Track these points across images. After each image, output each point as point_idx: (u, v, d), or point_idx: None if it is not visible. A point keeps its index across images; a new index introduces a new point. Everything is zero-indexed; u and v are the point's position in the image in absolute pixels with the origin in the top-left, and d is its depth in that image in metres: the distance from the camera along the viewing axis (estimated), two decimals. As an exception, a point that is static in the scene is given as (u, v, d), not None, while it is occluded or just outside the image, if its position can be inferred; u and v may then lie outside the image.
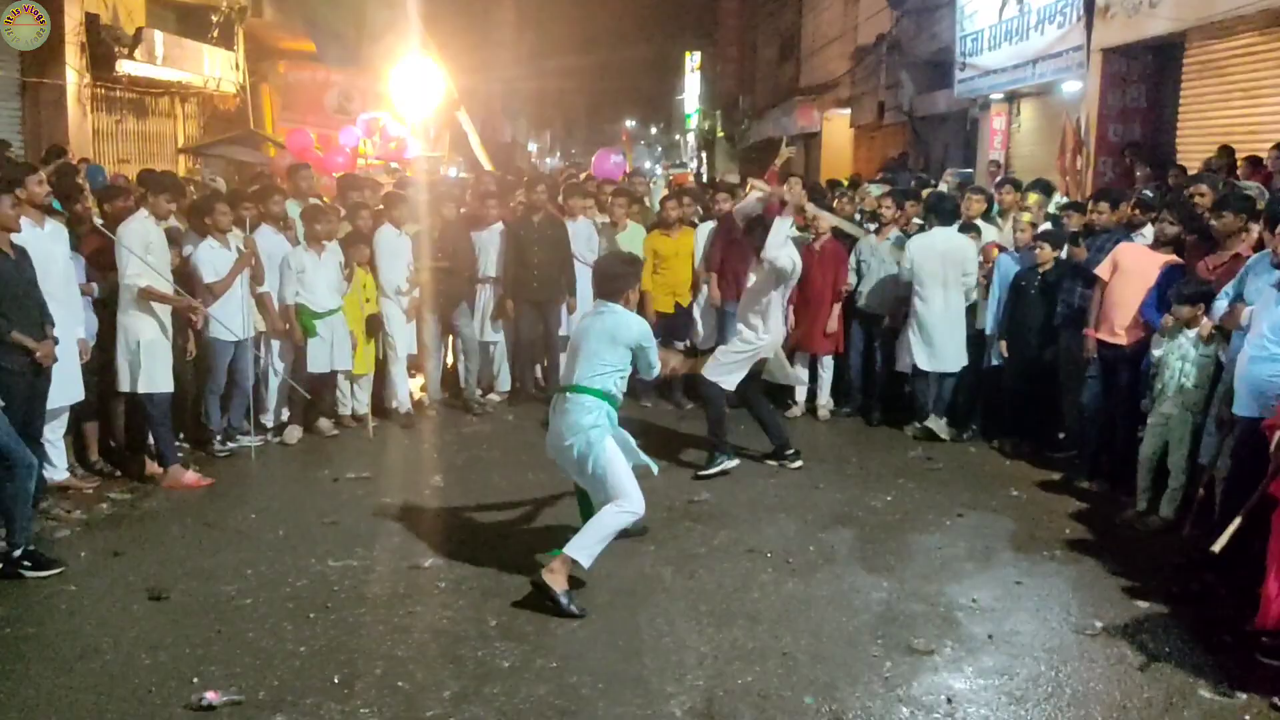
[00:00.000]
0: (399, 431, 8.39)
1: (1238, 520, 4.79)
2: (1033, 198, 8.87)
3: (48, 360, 5.83)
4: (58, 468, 6.65)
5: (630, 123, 79.99)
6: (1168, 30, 10.80)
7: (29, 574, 5.35)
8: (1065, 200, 9.99)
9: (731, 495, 6.93)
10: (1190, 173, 9.75)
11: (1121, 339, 6.91)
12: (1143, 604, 5.28)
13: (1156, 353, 6.36)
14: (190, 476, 6.95)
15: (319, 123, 18.04)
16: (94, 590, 5.27)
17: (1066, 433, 7.91)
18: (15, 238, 5.80)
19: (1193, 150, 10.70)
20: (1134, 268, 6.86)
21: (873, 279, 8.71)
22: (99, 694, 4.24)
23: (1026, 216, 8.27)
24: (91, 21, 12.53)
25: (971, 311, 8.33)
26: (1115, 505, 6.79)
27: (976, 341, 8.33)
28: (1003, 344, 7.92)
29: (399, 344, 8.55)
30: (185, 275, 7.28)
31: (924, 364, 8.27)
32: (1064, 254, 7.67)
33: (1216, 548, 4.81)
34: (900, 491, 7.09)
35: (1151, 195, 8.19)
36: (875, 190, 13.60)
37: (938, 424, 8.35)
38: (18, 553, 5.38)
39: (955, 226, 8.35)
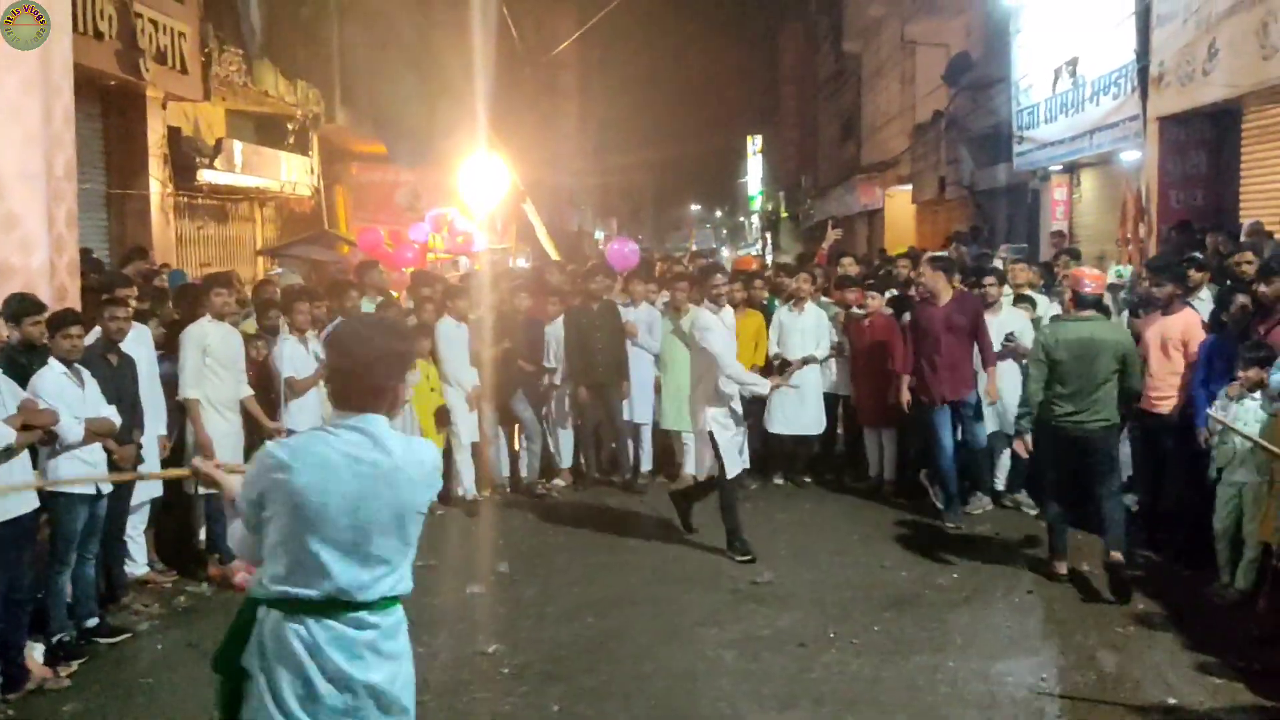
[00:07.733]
0: (464, 518, 8.50)
1: None
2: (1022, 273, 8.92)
3: (124, 462, 6.07)
4: (138, 562, 6.85)
5: (695, 207, 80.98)
6: (1223, 97, 10.76)
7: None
8: (1123, 269, 9.92)
9: (795, 575, 6.89)
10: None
11: (1161, 409, 7.01)
12: (1217, 680, 5.14)
13: (1217, 413, 6.22)
14: (240, 576, 6.49)
15: (389, 220, 18.61)
16: (170, 682, 5.41)
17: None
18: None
19: (1257, 214, 10.55)
20: (1154, 338, 7.07)
21: None
22: (172, 783, 4.35)
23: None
24: (174, 134, 13.15)
25: None
26: (1192, 578, 6.63)
27: None
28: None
29: (463, 432, 8.72)
30: (267, 373, 7.55)
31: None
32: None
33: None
34: (968, 569, 6.99)
35: (1201, 258, 8.14)
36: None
37: (1025, 500, 8.28)
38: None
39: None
